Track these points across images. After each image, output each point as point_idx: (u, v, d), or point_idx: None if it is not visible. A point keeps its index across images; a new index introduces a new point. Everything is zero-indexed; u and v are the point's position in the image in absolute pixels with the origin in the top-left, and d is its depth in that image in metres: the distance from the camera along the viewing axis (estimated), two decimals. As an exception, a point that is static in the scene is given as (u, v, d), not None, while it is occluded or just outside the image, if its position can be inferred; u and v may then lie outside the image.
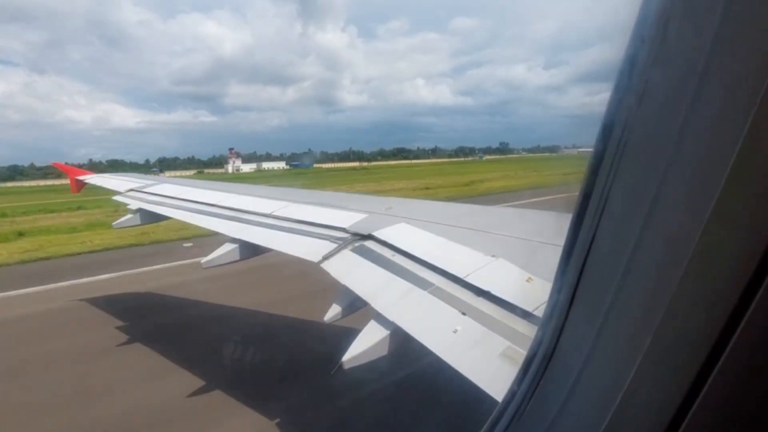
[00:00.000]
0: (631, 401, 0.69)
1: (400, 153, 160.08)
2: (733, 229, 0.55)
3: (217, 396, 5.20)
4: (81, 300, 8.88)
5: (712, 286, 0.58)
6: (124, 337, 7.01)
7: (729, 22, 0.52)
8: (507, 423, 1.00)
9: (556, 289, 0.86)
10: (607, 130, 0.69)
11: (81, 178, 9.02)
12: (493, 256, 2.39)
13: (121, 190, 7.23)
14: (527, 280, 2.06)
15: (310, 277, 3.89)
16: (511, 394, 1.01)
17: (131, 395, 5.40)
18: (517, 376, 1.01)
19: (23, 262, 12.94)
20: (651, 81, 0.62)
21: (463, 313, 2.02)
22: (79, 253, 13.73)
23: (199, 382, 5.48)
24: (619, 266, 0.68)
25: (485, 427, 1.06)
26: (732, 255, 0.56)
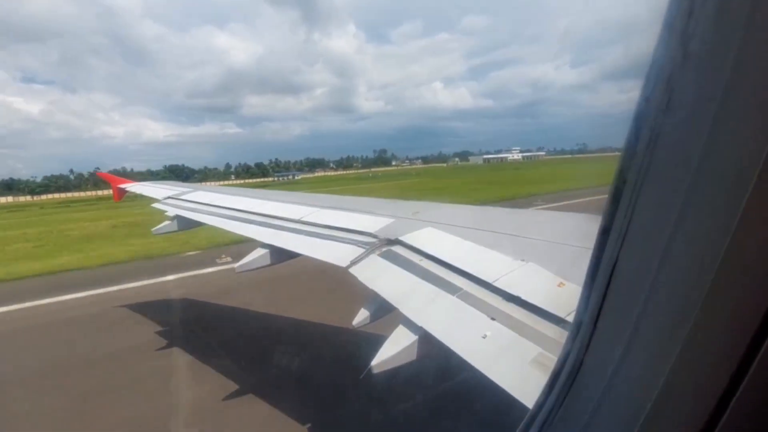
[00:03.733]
0: (659, 415, 0.68)
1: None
2: (760, 237, 0.54)
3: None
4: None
5: (740, 296, 0.57)
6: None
7: (759, 17, 0.50)
8: None
9: (584, 299, 0.86)
10: (633, 137, 0.68)
11: (122, 186, 9.53)
12: (523, 260, 2.35)
13: (159, 197, 7.57)
14: (559, 285, 2.01)
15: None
16: (540, 404, 1.01)
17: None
18: (546, 386, 1.00)
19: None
20: (677, 85, 0.61)
21: (493, 318, 2.00)
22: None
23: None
24: (647, 277, 0.67)
25: None
26: (760, 264, 0.55)
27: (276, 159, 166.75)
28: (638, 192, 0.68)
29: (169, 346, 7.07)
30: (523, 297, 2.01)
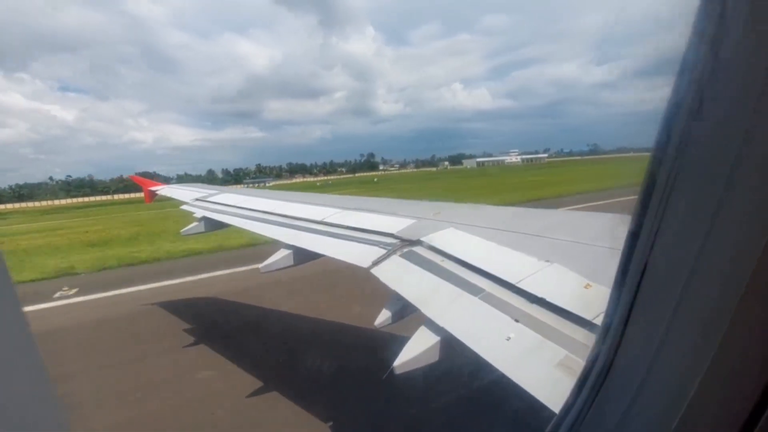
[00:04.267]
0: (695, 415, 0.67)
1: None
2: None
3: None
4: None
5: None
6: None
7: None
8: None
9: (614, 300, 0.84)
10: (664, 135, 0.66)
11: (153, 188, 9.91)
12: (548, 261, 2.31)
13: (188, 199, 7.82)
14: (585, 287, 1.97)
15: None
16: (568, 406, 0.99)
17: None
18: (575, 388, 0.99)
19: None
20: (711, 84, 0.59)
21: (516, 320, 1.97)
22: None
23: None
24: (680, 276, 0.66)
25: None
26: None
27: (258, 164, 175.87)
28: (669, 194, 0.67)
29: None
30: (548, 299, 1.98)
